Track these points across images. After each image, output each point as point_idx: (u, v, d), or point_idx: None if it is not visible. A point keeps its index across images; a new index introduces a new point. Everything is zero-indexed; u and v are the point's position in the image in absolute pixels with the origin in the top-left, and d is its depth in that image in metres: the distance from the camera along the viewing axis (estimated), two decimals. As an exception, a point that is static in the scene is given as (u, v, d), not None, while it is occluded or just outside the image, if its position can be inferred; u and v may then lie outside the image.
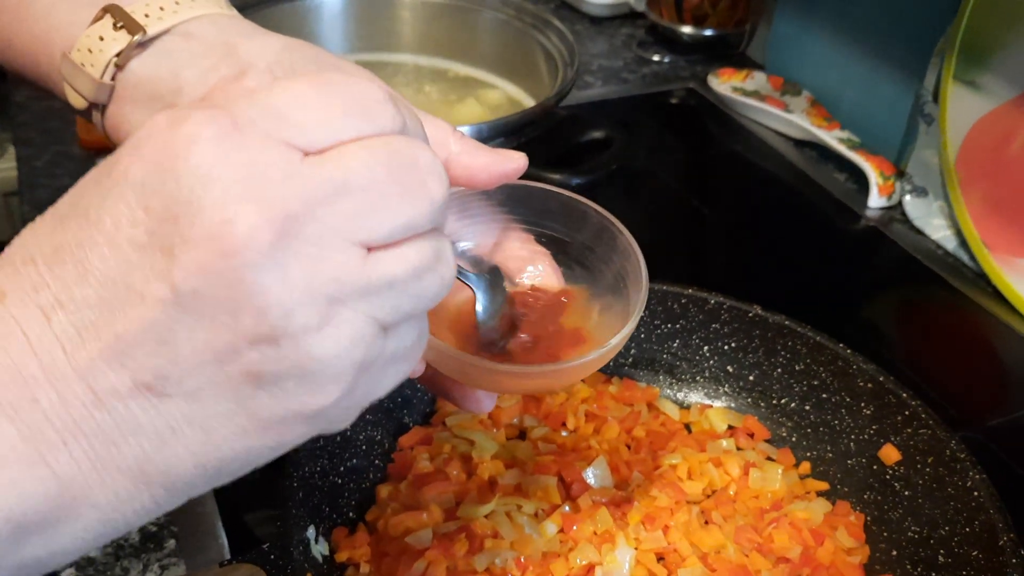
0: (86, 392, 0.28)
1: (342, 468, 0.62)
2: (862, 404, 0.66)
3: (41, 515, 0.28)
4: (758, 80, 1.18)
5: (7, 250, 0.30)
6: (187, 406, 0.29)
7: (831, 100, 1.12)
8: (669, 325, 0.72)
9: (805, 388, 0.69)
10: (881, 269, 0.95)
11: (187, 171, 0.27)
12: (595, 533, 0.59)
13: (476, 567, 0.56)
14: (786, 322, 0.69)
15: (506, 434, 0.67)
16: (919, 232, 0.97)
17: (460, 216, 0.46)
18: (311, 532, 0.57)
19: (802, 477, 0.66)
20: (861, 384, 0.66)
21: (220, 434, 0.30)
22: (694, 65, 1.27)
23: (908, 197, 0.98)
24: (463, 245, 0.46)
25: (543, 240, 0.48)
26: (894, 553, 0.61)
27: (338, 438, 0.62)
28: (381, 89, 0.31)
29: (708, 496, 0.64)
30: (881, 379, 0.65)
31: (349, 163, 0.29)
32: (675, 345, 0.72)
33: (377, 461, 0.65)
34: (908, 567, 0.59)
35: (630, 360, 0.73)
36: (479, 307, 0.44)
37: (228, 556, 0.60)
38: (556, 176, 0.87)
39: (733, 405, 0.71)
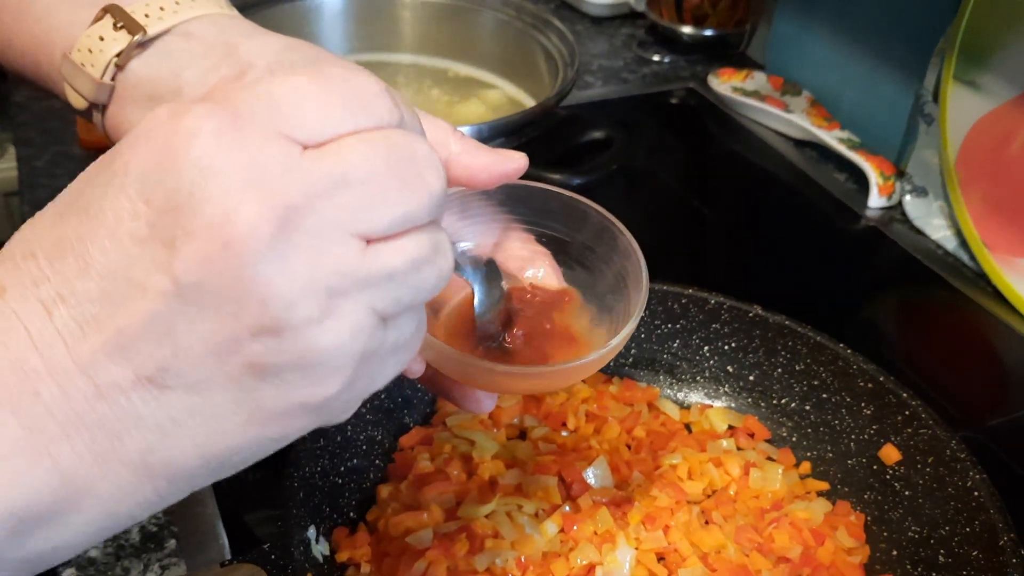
0: (88, 385, 0.28)
1: (343, 468, 0.62)
2: (862, 404, 0.66)
3: (44, 508, 0.28)
4: (758, 80, 1.18)
5: (7, 245, 0.30)
6: (189, 398, 0.29)
7: (831, 100, 1.12)
8: (669, 325, 0.72)
9: (805, 388, 0.69)
10: (881, 269, 0.95)
11: (188, 164, 0.27)
12: (595, 533, 0.59)
13: (477, 567, 0.56)
14: (786, 322, 0.69)
15: (506, 434, 0.67)
16: (919, 232, 0.97)
17: (460, 216, 0.46)
18: (312, 532, 0.57)
19: (802, 477, 0.66)
20: (861, 384, 0.66)
21: (223, 426, 0.30)
22: (694, 65, 1.27)
23: (908, 197, 0.98)
24: (463, 245, 0.46)
25: (543, 240, 0.48)
26: (894, 553, 0.61)
27: (339, 438, 0.62)
28: (378, 83, 0.31)
29: (708, 496, 0.64)
30: (881, 379, 0.65)
31: (348, 156, 0.29)
32: (675, 345, 0.72)
33: (378, 461, 0.65)
34: (908, 567, 0.59)
35: (630, 360, 0.73)
36: (476, 300, 0.44)
37: (229, 556, 0.60)
38: (556, 176, 0.87)
39: (733, 405, 0.71)
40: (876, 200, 1.00)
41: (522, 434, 0.68)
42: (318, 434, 0.59)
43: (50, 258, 0.29)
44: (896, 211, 1.00)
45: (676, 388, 0.73)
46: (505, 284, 0.46)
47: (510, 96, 1.05)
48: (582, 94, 1.17)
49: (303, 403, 0.30)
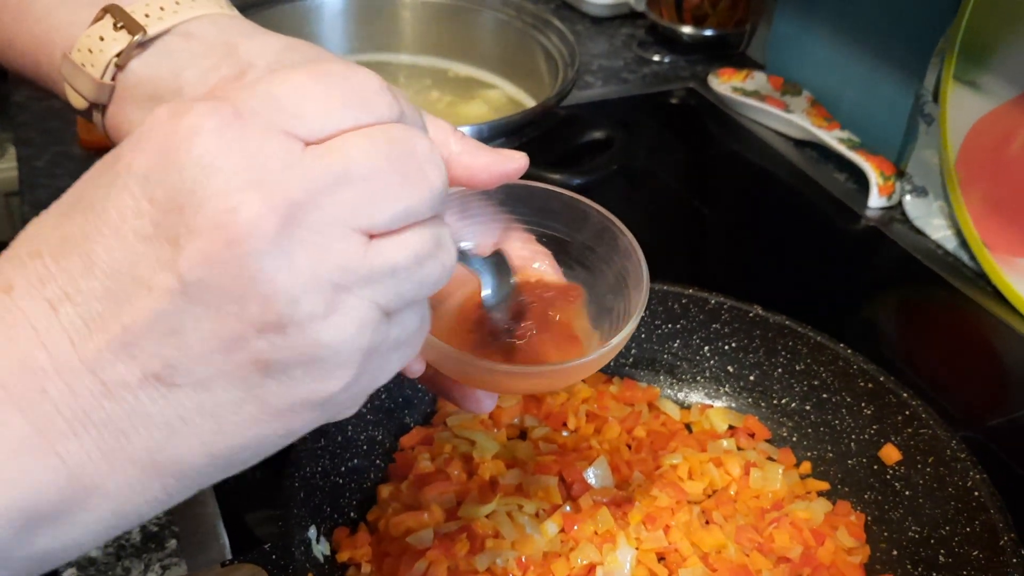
0: (95, 383, 0.28)
1: (343, 468, 0.62)
2: (863, 404, 0.66)
3: (52, 505, 0.28)
4: (758, 80, 1.18)
5: (13, 244, 0.30)
6: (196, 395, 0.29)
7: (831, 100, 1.12)
8: (670, 325, 0.72)
9: (806, 388, 0.69)
10: (881, 269, 0.95)
11: (190, 161, 0.27)
12: (596, 533, 0.59)
13: (477, 567, 0.56)
14: (787, 322, 0.69)
15: (507, 434, 0.67)
16: (919, 232, 0.97)
17: (461, 216, 0.46)
18: (312, 532, 0.57)
19: (803, 477, 0.66)
20: (862, 384, 0.66)
21: (230, 423, 0.30)
22: (694, 65, 1.27)
23: (908, 197, 0.98)
24: (463, 245, 0.46)
25: (544, 240, 0.48)
26: (895, 553, 0.61)
27: (339, 438, 0.62)
28: (378, 80, 0.31)
29: (709, 496, 0.64)
30: (881, 379, 0.65)
31: (349, 151, 0.29)
32: (676, 345, 0.72)
33: (378, 461, 0.65)
34: (909, 567, 0.59)
35: (631, 360, 0.73)
36: (485, 291, 0.43)
37: (229, 556, 0.60)
38: (557, 176, 0.87)
39: (734, 405, 0.71)
40: (876, 200, 1.00)
41: (523, 434, 0.68)
42: (319, 434, 0.59)
43: (56, 256, 0.29)
44: (896, 211, 1.00)
45: (676, 388, 0.73)
46: (515, 277, 0.46)
47: (510, 96, 1.05)
48: (582, 94, 1.17)
49: (309, 399, 0.30)
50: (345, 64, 0.31)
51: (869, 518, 0.63)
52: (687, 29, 1.26)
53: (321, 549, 0.57)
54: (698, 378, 0.72)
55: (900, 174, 1.00)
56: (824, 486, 0.66)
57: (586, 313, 0.46)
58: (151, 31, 0.41)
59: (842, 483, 0.65)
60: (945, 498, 0.59)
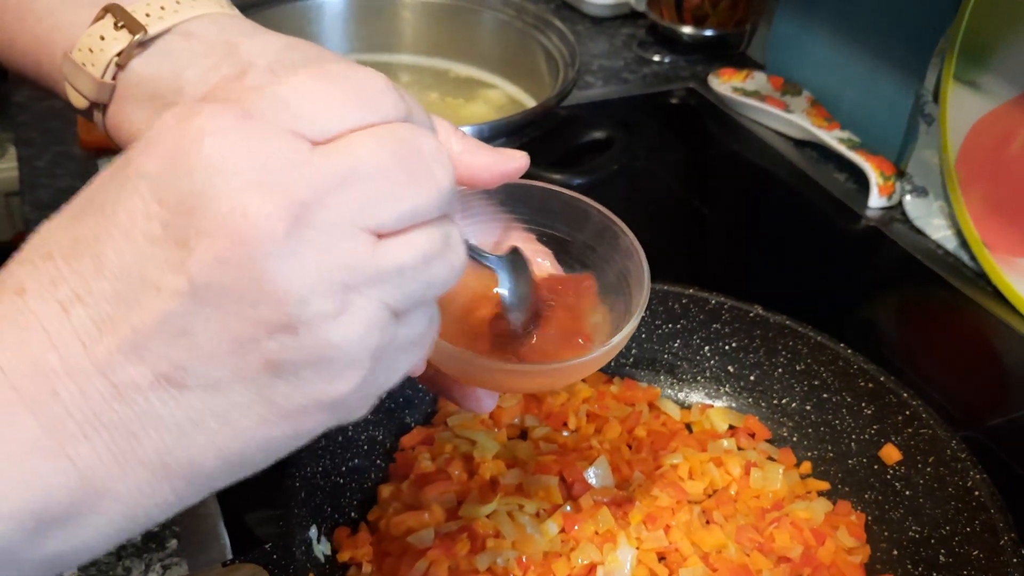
0: (105, 385, 0.28)
1: (344, 468, 0.62)
2: (863, 404, 0.66)
3: (63, 508, 0.28)
4: (758, 80, 1.18)
5: (25, 247, 0.30)
6: (207, 397, 0.29)
7: (831, 100, 1.12)
8: (670, 325, 0.72)
9: (806, 388, 0.69)
10: (881, 269, 0.95)
11: (199, 163, 0.28)
12: (596, 533, 0.59)
13: (478, 567, 0.56)
14: (787, 322, 0.69)
15: (507, 434, 0.67)
16: (919, 232, 0.97)
17: (461, 215, 0.45)
18: (313, 532, 0.57)
19: (803, 477, 0.66)
20: (862, 384, 0.66)
21: (240, 425, 0.30)
22: (694, 65, 1.27)
23: (908, 197, 0.98)
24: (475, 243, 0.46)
25: (544, 239, 0.48)
26: (895, 553, 0.61)
27: (340, 438, 0.62)
28: (383, 79, 0.31)
29: (709, 496, 0.64)
30: (882, 379, 0.65)
31: (356, 151, 0.29)
32: (676, 345, 0.72)
33: (379, 461, 0.65)
34: (909, 567, 0.59)
35: (631, 360, 0.73)
36: (504, 291, 0.43)
37: (230, 556, 0.60)
38: (557, 176, 0.87)
39: (734, 405, 0.71)
40: (876, 200, 1.00)
41: (523, 434, 0.68)
42: (320, 434, 0.59)
43: (67, 259, 0.29)
44: (896, 211, 1.00)
45: (677, 388, 0.73)
46: (534, 271, 0.45)
47: (511, 96, 1.05)
48: (582, 94, 1.17)
49: (319, 400, 0.30)
50: (351, 64, 0.31)
51: (869, 518, 0.63)
52: (687, 29, 1.26)
53: (322, 549, 0.57)
54: (698, 378, 0.72)
55: (900, 174, 1.00)
56: (824, 486, 0.66)
57: (597, 306, 0.46)
58: (152, 30, 0.41)
59: (842, 483, 0.65)
60: (945, 498, 0.59)
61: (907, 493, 0.62)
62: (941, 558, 0.58)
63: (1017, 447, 0.72)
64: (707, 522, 0.62)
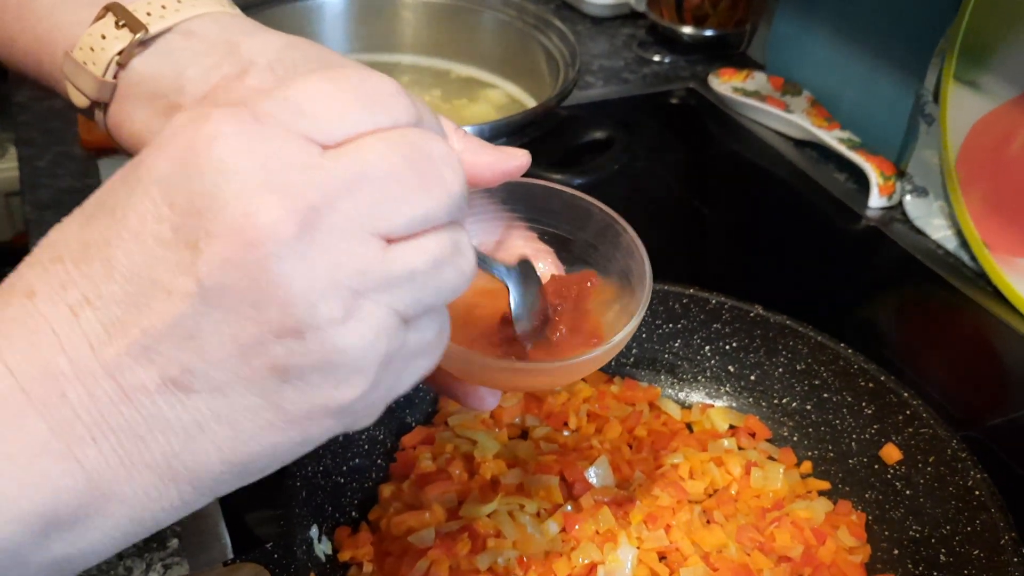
0: (114, 388, 0.28)
1: (345, 468, 0.62)
2: (863, 404, 0.66)
3: (70, 510, 0.28)
4: (758, 80, 1.18)
5: (35, 250, 0.30)
6: (214, 401, 0.29)
7: (831, 100, 1.13)
8: (670, 325, 0.72)
9: (806, 388, 0.69)
10: (882, 269, 0.95)
11: (209, 166, 0.28)
12: (597, 532, 0.59)
13: (479, 566, 0.56)
14: (787, 322, 0.69)
15: (508, 434, 0.67)
16: (919, 232, 0.97)
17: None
18: (314, 531, 0.57)
19: (803, 476, 0.66)
20: (862, 384, 0.66)
21: (247, 429, 0.30)
22: (694, 65, 1.27)
23: (908, 197, 0.98)
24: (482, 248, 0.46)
25: (546, 238, 0.48)
26: (895, 552, 0.61)
27: (340, 438, 0.62)
28: (394, 84, 0.31)
29: (710, 495, 0.64)
30: (882, 379, 0.65)
31: (367, 155, 0.29)
32: (676, 345, 0.72)
33: (379, 460, 0.65)
34: (909, 566, 0.59)
35: (631, 360, 0.73)
36: (512, 302, 0.43)
37: (231, 555, 0.60)
38: (558, 176, 0.87)
39: (734, 405, 0.71)
40: (876, 200, 1.00)
41: (524, 434, 0.68)
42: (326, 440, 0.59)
43: (77, 262, 0.29)
44: (896, 211, 1.00)
45: (677, 388, 0.73)
46: (543, 276, 0.45)
47: (511, 96, 1.05)
48: (583, 94, 1.17)
49: (326, 405, 0.30)
50: (362, 67, 0.31)
51: (870, 517, 0.63)
52: (687, 29, 1.26)
53: (323, 548, 0.57)
54: (699, 378, 0.72)
55: (900, 174, 1.00)
56: (825, 485, 0.66)
57: (604, 301, 0.46)
58: (152, 29, 0.41)
59: (843, 482, 0.65)
60: (946, 497, 0.59)
61: (907, 493, 0.62)
62: (941, 557, 0.58)
63: (1017, 447, 0.72)
64: (708, 522, 0.62)
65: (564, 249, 0.48)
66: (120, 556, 0.60)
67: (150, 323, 0.28)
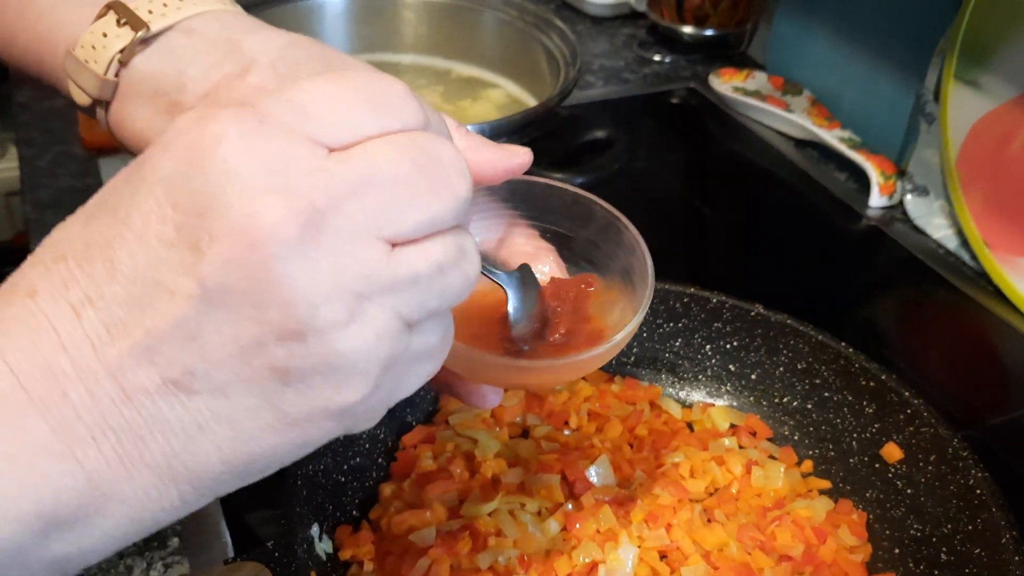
0: (115, 388, 0.28)
1: (345, 467, 0.62)
2: (864, 403, 0.66)
3: (70, 510, 0.28)
4: (759, 80, 1.18)
5: (37, 249, 0.30)
6: (214, 402, 0.29)
7: (832, 100, 1.13)
8: (671, 324, 0.72)
9: (807, 387, 0.69)
10: (882, 268, 0.95)
11: (213, 166, 0.28)
12: (598, 531, 0.59)
13: (479, 565, 0.56)
14: (788, 321, 0.69)
15: (509, 433, 0.67)
16: (920, 231, 0.97)
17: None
18: (315, 530, 0.57)
19: (804, 475, 0.66)
20: (863, 383, 0.66)
21: (247, 431, 0.30)
22: (695, 65, 1.27)
23: (909, 196, 0.98)
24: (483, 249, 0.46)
25: (547, 236, 0.48)
26: (896, 551, 0.61)
27: (341, 437, 0.62)
28: (403, 86, 0.31)
29: (711, 494, 0.64)
30: (883, 378, 0.65)
31: (374, 158, 0.29)
32: (677, 344, 0.72)
33: (380, 459, 0.65)
34: (911, 565, 0.59)
35: (632, 359, 0.73)
36: (511, 307, 0.43)
37: (232, 554, 0.60)
38: (558, 176, 0.86)
39: (735, 404, 0.71)
40: (877, 199, 1.00)
41: (524, 433, 0.68)
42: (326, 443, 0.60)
43: (80, 261, 0.29)
44: (897, 210, 1.00)
45: (678, 387, 0.73)
46: (541, 280, 0.45)
47: (512, 96, 1.05)
48: (583, 94, 1.17)
49: (326, 408, 0.30)
50: (370, 69, 0.31)
51: (871, 516, 0.63)
52: (688, 29, 1.26)
53: (324, 547, 0.57)
54: (700, 377, 0.72)
55: (901, 173, 1.00)
56: (826, 484, 0.66)
57: (603, 302, 0.46)
58: (154, 27, 0.41)
59: (844, 481, 0.65)
60: (947, 496, 0.59)
61: (908, 492, 0.62)
62: (943, 556, 0.58)
63: (1018, 446, 0.72)
64: (708, 521, 0.62)
65: (566, 247, 0.48)
66: (120, 555, 0.60)
67: (153, 324, 0.28)
